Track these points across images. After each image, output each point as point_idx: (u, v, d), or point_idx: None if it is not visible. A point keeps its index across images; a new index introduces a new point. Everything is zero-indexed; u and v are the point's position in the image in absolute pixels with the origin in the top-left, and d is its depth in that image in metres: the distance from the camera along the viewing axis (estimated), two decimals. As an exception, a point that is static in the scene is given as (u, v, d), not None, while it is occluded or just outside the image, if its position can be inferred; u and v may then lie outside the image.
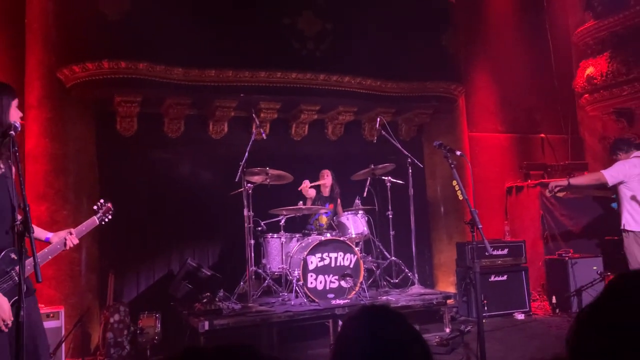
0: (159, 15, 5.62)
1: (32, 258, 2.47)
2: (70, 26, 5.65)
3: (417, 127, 7.68)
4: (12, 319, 2.48)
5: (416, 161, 6.22)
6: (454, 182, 3.49)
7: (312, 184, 6.41)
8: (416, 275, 6.14)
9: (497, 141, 8.68)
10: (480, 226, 3.38)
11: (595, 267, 6.55)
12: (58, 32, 5.71)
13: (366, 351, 1.16)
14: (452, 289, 6.95)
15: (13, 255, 2.62)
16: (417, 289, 6.04)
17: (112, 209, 3.27)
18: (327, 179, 6.57)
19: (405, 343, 1.19)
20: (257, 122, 5.97)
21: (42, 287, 2.77)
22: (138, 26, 5.54)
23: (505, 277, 6.67)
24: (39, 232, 2.94)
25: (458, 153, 3.70)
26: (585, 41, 8.67)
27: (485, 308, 6.17)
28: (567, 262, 6.59)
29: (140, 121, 6.19)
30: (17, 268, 2.58)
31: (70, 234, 2.95)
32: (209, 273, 6.12)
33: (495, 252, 6.65)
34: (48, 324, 4.50)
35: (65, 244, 2.91)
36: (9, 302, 2.57)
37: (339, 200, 6.65)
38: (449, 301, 5.96)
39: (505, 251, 6.77)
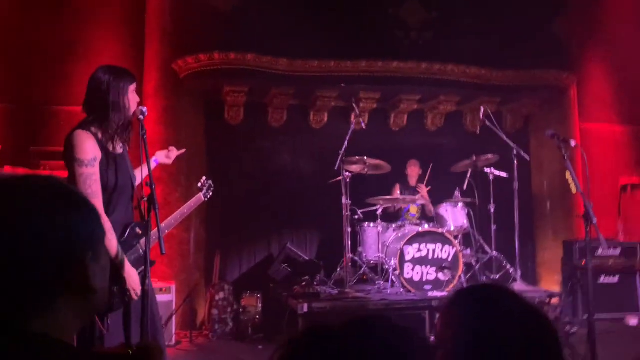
0: (264, 7, 5.86)
1: (155, 230, 2.64)
2: (185, 20, 6.02)
3: (523, 118, 7.35)
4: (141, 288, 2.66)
5: (522, 153, 5.95)
6: (567, 174, 3.31)
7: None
8: (518, 271, 5.90)
9: (611, 134, 8.07)
10: (595, 221, 3.18)
11: None
12: (173, 25, 6.10)
13: (483, 326, 1.13)
14: (555, 288, 6.61)
15: (138, 230, 2.78)
16: (519, 285, 5.80)
17: (213, 185, 3.52)
18: (414, 169, 6.60)
19: (521, 317, 1.15)
20: (357, 112, 6.01)
21: (156, 264, 2.98)
22: (246, 18, 5.83)
23: (616, 279, 6.24)
24: (145, 167, 2.86)
25: (573, 143, 3.51)
26: None
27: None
28: (690, 267, 6.03)
29: (246, 110, 6.48)
30: (142, 241, 2.77)
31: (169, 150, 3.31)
32: (307, 258, 6.30)
33: (606, 252, 6.24)
34: (161, 297, 4.87)
35: (169, 157, 3.30)
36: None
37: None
38: (552, 300, 5.67)
39: (618, 251, 6.32)
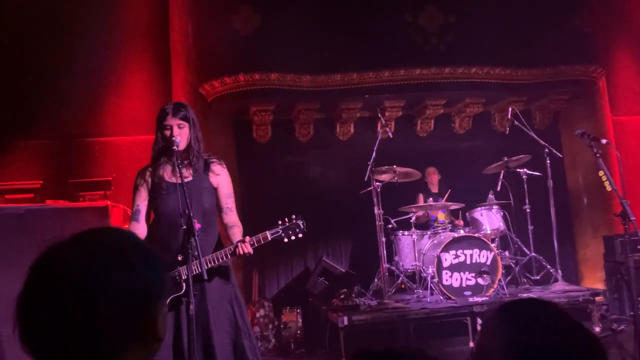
0: (286, 27, 5.97)
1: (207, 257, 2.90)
2: (208, 45, 6.17)
3: (552, 114, 7.25)
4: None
5: (554, 151, 5.86)
6: (601, 173, 3.27)
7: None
8: (559, 271, 5.80)
9: (645, 124, 7.87)
10: (633, 218, 3.13)
11: None
12: (198, 51, 6.25)
13: (528, 341, 1.12)
14: (599, 286, 6.46)
15: (179, 257, 2.89)
16: (560, 285, 5.71)
17: (303, 226, 2.99)
18: (434, 176, 6.64)
19: (566, 333, 1.14)
20: (383, 121, 6.02)
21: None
22: (267, 39, 5.95)
23: (663, 273, 6.05)
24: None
25: (604, 141, 3.45)
26: None
27: (641, 306, 5.65)
28: None
29: (274, 128, 6.58)
30: (179, 268, 2.87)
31: (243, 242, 2.92)
32: (343, 270, 6.33)
33: (649, 246, 6.06)
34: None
35: (236, 252, 2.91)
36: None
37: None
38: (597, 298, 5.54)
39: (662, 244, 6.13)
